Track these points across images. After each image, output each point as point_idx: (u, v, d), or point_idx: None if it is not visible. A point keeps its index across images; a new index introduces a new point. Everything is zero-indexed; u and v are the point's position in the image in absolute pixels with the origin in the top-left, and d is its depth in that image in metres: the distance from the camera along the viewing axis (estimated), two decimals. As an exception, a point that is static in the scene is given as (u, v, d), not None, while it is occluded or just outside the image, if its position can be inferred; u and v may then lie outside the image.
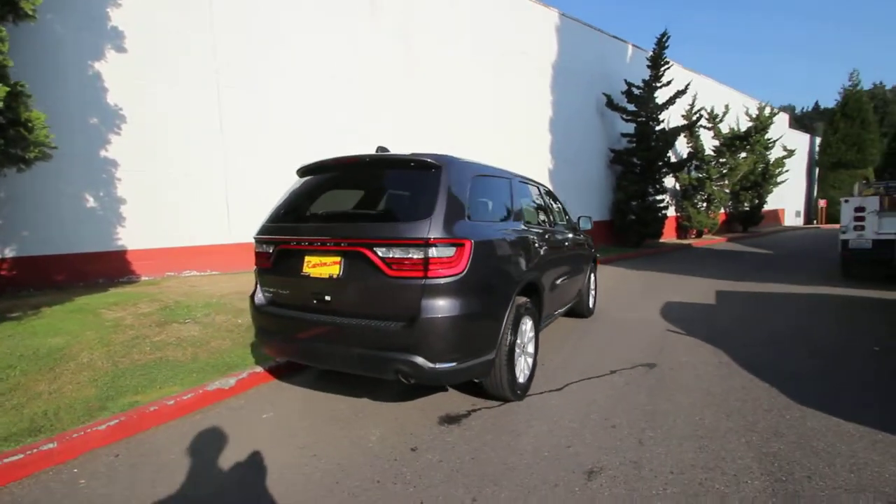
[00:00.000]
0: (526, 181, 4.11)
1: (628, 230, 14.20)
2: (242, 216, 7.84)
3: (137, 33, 6.67)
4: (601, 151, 14.84)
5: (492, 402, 3.18)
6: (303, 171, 3.26)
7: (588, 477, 2.27)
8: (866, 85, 34.57)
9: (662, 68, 14.19)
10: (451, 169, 2.75)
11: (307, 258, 2.79)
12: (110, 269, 6.59)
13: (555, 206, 4.84)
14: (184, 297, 5.68)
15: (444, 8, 10.47)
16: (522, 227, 3.45)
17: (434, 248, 2.45)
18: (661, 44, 14.05)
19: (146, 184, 6.86)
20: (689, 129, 15.52)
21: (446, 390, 3.41)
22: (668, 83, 14.28)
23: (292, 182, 3.33)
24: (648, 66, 14.28)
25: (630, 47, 15.83)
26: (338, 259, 2.67)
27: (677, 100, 14.19)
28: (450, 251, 2.47)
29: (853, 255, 7.73)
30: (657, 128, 14.43)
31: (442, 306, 2.47)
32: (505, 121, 11.70)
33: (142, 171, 6.81)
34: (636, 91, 14.32)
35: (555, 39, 13.13)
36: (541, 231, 3.84)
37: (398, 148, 8.81)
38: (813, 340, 4.55)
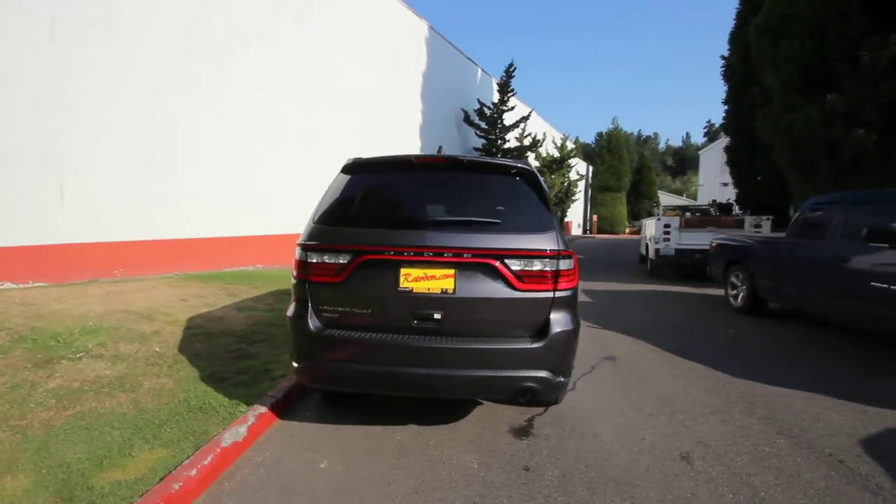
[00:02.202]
0: None
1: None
2: (86, 205, 5.88)
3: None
4: (458, 162, 15.93)
5: (536, 409, 3.25)
6: (360, 167, 2.74)
7: (687, 462, 2.59)
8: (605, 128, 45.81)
9: (509, 94, 16.08)
10: (539, 176, 2.74)
11: (405, 271, 2.39)
12: None
13: None
14: (35, 321, 4.00)
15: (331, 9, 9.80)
16: None
17: (562, 260, 2.43)
18: (509, 73, 15.94)
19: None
20: (527, 150, 17.87)
21: (482, 404, 3.33)
22: (513, 108, 16.27)
23: (335, 177, 2.76)
24: (498, 91, 16.00)
25: (479, 70, 17.44)
26: (451, 272, 2.37)
27: (521, 124, 16.28)
28: (569, 263, 2.49)
29: (662, 260, 10.22)
30: (504, 146, 16.27)
31: (565, 319, 2.46)
32: (386, 124, 11.55)
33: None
34: (487, 111, 15.88)
35: (424, 51, 13.57)
36: None
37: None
38: (688, 326, 5.92)
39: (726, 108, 12.83)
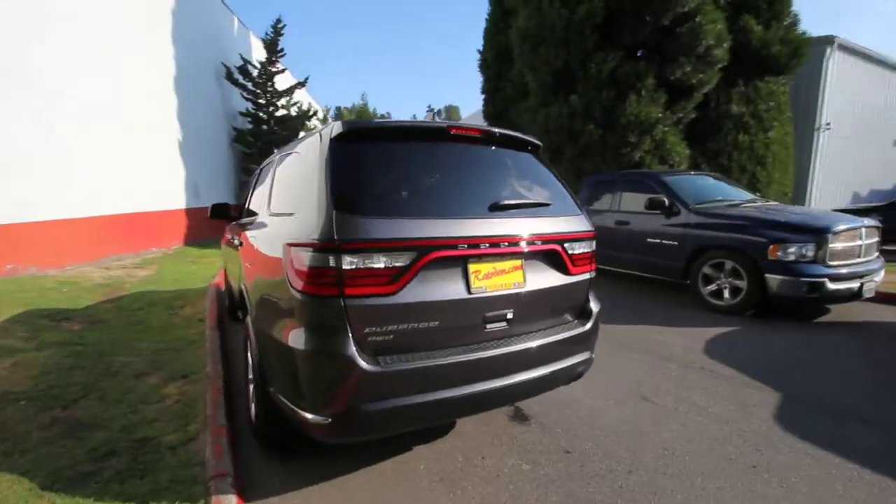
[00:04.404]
0: None
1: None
2: None
3: None
4: (224, 129, 13.38)
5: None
6: (365, 134, 1.97)
7: (649, 401, 3.10)
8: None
9: (279, 54, 14.32)
10: None
11: (474, 268, 1.91)
12: None
13: None
14: None
15: None
16: None
17: (594, 241, 2.44)
18: (277, 30, 14.15)
19: None
20: (302, 121, 16.34)
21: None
22: (283, 71, 14.60)
23: (326, 146, 1.91)
24: (266, 49, 14.03)
25: (236, 20, 14.81)
26: (519, 263, 2.05)
27: (295, 90, 14.80)
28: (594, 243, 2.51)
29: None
30: (277, 113, 14.52)
31: (595, 298, 2.52)
32: (125, 70, 8.58)
33: None
34: (253, 70, 13.78)
35: (169, -20, 10.57)
36: None
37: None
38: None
39: (484, 96, 14.91)
